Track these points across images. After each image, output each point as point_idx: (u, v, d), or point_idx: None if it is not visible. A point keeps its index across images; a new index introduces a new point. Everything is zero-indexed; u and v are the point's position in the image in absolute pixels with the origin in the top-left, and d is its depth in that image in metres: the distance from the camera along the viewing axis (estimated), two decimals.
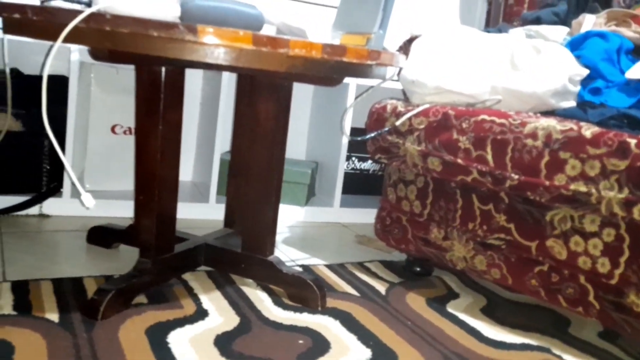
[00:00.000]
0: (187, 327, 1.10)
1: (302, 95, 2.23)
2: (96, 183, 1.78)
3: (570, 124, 1.11)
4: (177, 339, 1.05)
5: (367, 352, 1.09)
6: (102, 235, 1.48)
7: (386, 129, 1.39)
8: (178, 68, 1.16)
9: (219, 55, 0.94)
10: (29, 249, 1.40)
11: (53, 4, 1.03)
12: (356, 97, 1.61)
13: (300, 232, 1.85)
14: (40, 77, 1.69)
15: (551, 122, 1.14)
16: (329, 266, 1.53)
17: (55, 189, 1.68)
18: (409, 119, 1.34)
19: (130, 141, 1.82)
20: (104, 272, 1.32)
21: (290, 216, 1.97)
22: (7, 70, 1.46)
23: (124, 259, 1.41)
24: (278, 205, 1.32)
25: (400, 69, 1.37)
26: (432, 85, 1.32)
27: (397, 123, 1.36)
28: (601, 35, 1.29)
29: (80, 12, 0.89)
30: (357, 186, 2.19)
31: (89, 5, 1.00)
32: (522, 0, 1.74)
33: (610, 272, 1.09)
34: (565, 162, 1.10)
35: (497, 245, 1.26)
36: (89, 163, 1.77)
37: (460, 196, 1.32)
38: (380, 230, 1.51)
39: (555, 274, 1.18)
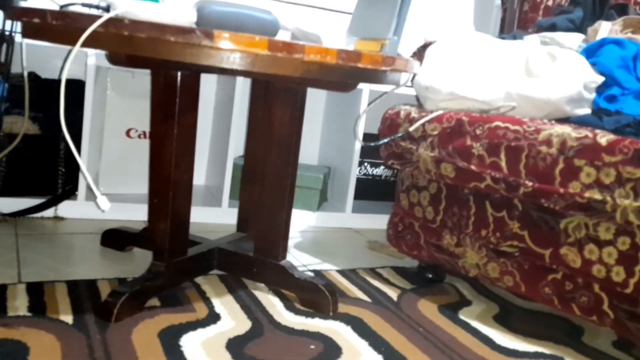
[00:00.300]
0: (200, 331, 1.10)
1: (315, 100, 2.23)
2: (110, 186, 1.80)
3: (585, 131, 1.11)
4: (189, 343, 1.05)
5: (379, 359, 1.08)
6: (116, 238, 1.49)
7: (399, 134, 1.39)
8: (194, 73, 1.17)
9: (234, 60, 0.95)
10: (44, 251, 1.42)
11: (72, 8, 1.04)
12: (369, 103, 1.61)
13: (312, 237, 1.85)
14: (57, 81, 1.71)
15: (566, 129, 1.13)
16: (340, 271, 1.53)
17: (70, 192, 1.69)
18: (423, 125, 1.34)
19: (144, 145, 1.83)
20: (117, 274, 1.33)
21: (302, 221, 1.97)
22: (25, 74, 1.48)
23: (138, 262, 1.42)
24: (291, 210, 1.32)
25: (415, 75, 1.37)
26: (446, 92, 1.32)
27: (411, 129, 1.36)
28: (617, 42, 1.29)
29: (99, 16, 0.90)
30: (370, 192, 2.19)
31: (107, 10, 1.01)
32: (537, 6, 1.73)
33: (625, 281, 1.08)
34: (580, 170, 1.09)
35: (510, 253, 1.25)
36: (104, 166, 1.79)
37: (473, 203, 1.32)
38: (393, 236, 1.51)
39: (569, 282, 1.17)
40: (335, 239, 1.85)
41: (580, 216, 1.13)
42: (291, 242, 1.74)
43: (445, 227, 1.38)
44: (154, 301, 1.20)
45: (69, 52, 1.45)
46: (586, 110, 1.25)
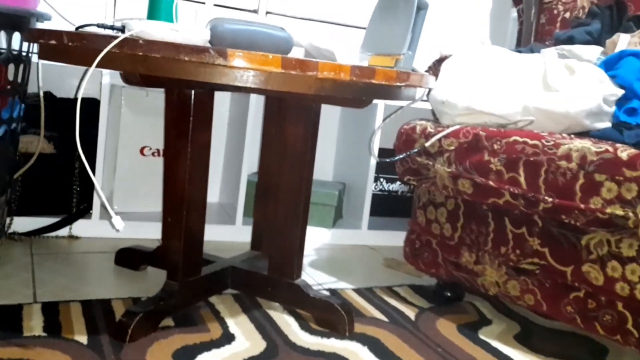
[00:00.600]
0: (214, 351, 1.09)
1: (330, 115, 2.22)
2: (124, 204, 1.80)
3: (605, 146, 1.09)
4: None
5: None
6: (129, 257, 1.49)
7: (415, 150, 1.37)
8: (207, 91, 1.17)
9: (248, 78, 0.95)
10: (59, 270, 1.41)
11: (87, 29, 1.05)
12: (385, 118, 1.60)
13: (327, 254, 1.83)
14: (72, 100, 1.72)
15: (586, 144, 1.11)
16: (356, 290, 1.51)
17: (84, 211, 1.70)
18: (439, 140, 1.32)
19: (158, 163, 1.83)
20: (131, 294, 1.32)
21: (317, 238, 1.95)
22: (41, 94, 1.48)
23: (152, 281, 1.41)
24: (305, 228, 1.31)
25: (430, 90, 1.36)
26: (462, 106, 1.31)
27: (427, 144, 1.34)
28: (636, 54, 1.26)
29: (114, 37, 0.90)
30: (385, 208, 2.16)
31: (122, 30, 1.01)
32: (554, 19, 1.71)
33: None
34: (601, 185, 1.07)
35: (531, 270, 1.23)
36: (118, 184, 1.79)
37: (492, 219, 1.29)
38: (410, 254, 1.49)
39: (592, 300, 1.14)
40: (350, 257, 1.83)
41: (602, 232, 1.11)
42: (306, 260, 1.72)
43: (463, 244, 1.35)
44: (168, 321, 1.19)
45: (85, 72, 1.46)
46: (606, 124, 1.23)
